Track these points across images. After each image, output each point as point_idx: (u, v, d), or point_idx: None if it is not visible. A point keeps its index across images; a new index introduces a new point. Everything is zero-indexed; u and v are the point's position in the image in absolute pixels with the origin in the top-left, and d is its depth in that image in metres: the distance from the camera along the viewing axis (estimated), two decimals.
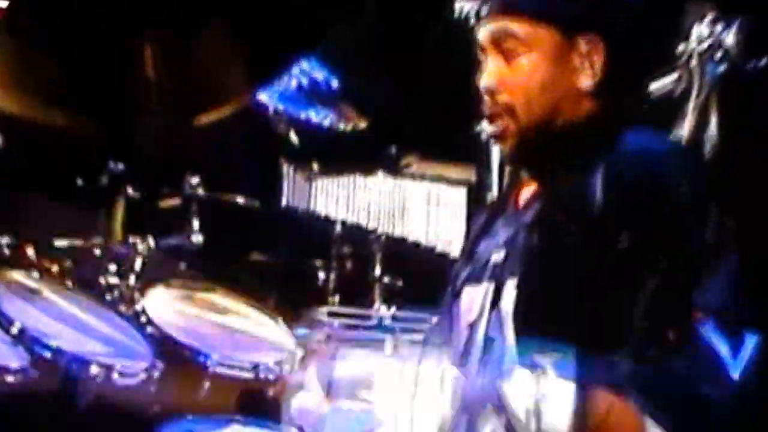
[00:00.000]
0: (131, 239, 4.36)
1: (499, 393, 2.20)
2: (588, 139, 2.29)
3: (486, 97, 2.32)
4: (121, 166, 4.36)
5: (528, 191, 2.39)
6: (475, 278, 2.37)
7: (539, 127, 2.30)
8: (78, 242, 4.36)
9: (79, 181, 4.45)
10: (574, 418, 2.10)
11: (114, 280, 4.24)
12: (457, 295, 2.41)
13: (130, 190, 4.42)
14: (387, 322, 4.42)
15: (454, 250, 4.60)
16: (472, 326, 2.33)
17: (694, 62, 2.61)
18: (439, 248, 4.78)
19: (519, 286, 2.23)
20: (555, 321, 2.16)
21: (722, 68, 2.60)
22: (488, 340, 2.27)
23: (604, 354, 2.11)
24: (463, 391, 2.34)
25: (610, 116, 2.31)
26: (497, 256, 2.33)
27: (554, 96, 2.29)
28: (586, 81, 2.30)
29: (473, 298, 2.35)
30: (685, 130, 2.57)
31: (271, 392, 3.89)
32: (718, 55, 2.60)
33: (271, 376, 3.95)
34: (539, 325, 2.18)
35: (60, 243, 4.33)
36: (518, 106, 2.30)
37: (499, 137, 2.34)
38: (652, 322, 2.11)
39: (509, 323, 2.23)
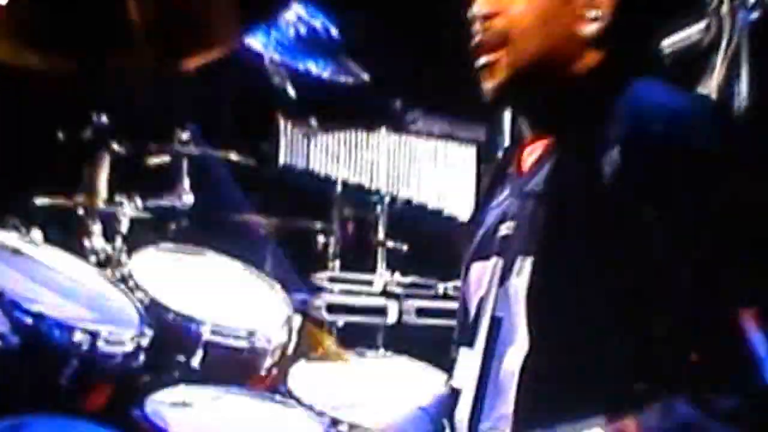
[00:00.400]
0: (117, 198, 4.26)
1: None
2: (591, 89, 2.10)
3: (478, 24, 2.16)
4: (105, 119, 4.25)
5: (531, 152, 2.21)
6: (482, 252, 2.23)
7: (535, 64, 2.13)
8: (60, 201, 4.24)
9: (60, 135, 4.30)
10: None
11: (99, 241, 4.14)
12: (466, 271, 2.28)
13: (115, 146, 4.29)
14: (391, 288, 4.43)
15: (462, 212, 4.63)
16: (480, 303, 2.20)
17: (724, 9, 2.49)
18: (447, 210, 4.75)
19: (533, 267, 2.05)
20: (575, 306, 1.99)
21: (755, 15, 2.49)
22: (495, 320, 2.13)
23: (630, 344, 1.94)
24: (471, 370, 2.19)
25: (617, 66, 2.12)
26: (504, 229, 2.18)
27: (554, 33, 2.12)
28: (590, 23, 2.11)
29: (481, 273, 2.21)
30: (713, 83, 2.45)
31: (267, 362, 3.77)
32: (751, 1, 2.49)
33: (267, 345, 3.81)
34: (557, 310, 2.02)
35: (41, 202, 4.22)
36: (514, 36, 2.13)
37: (489, 69, 2.15)
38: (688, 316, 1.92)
39: (519, 302, 2.08)
